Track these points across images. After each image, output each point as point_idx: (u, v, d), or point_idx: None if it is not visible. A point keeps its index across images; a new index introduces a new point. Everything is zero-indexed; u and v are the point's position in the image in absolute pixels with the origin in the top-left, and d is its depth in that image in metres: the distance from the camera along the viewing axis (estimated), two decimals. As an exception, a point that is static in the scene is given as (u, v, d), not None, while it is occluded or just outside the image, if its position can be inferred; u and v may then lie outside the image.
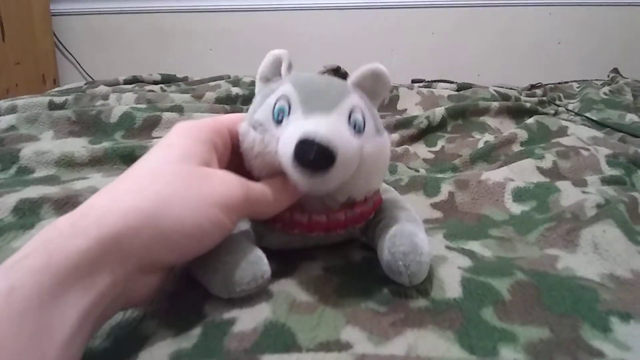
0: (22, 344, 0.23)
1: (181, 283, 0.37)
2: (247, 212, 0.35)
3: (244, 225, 0.38)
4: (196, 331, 0.31)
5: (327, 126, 0.32)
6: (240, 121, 0.38)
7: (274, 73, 0.38)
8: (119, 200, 0.29)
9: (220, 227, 0.32)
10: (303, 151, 0.30)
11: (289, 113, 0.34)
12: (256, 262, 0.34)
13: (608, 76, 1.55)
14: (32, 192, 0.52)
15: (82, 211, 0.28)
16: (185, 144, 0.34)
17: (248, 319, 0.31)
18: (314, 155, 0.30)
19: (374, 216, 0.41)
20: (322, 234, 0.39)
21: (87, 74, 2.39)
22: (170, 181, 0.31)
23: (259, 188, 0.35)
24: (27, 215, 0.49)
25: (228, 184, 0.33)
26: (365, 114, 0.36)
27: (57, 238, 0.26)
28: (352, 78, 0.38)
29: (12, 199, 0.50)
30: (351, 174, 0.34)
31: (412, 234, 0.36)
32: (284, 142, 0.33)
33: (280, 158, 0.33)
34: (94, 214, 0.28)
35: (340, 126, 0.33)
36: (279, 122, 0.34)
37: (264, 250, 0.35)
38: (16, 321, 0.23)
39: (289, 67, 0.38)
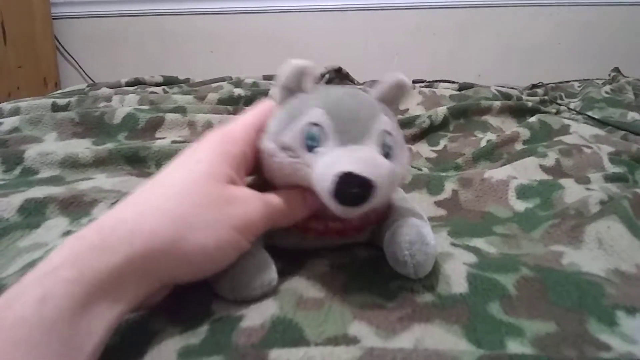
0: (52, 352, 0.23)
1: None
2: (266, 228, 0.35)
3: None
4: (204, 327, 0.31)
5: (364, 161, 0.32)
6: (264, 114, 0.38)
7: (297, 84, 0.37)
8: (146, 219, 0.29)
9: (238, 248, 0.33)
10: (342, 190, 0.31)
11: (320, 141, 0.34)
12: (264, 269, 0.34)
13: (609, 75, 1.55)
14: (38, 192, 0.52)
15: (110, 224, 0.29)
16: (212, 161, 0.34)
17: (255, 315, 0.32)
18: (354, 193, 0.31)
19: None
20: (337, 238, 0.39)
21: (89, 77, 2.39)
22: (196, 203, 0.31)
23: (279, 204, 0.35)
24: (33, 214, 0.49)
25: (251, 207, 0.33)
26: (394, 134, 0.36)
27: (88, 252, 0.27)
28: (377, 91, 0.38)
29: (17, 199, 0.50)
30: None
31: (418, 225, 0.36)
32: (321, 177, 0.32)
33: (317, 189, 0.33)
34: (123, 231, 0.28)
35: (375, 157, 0.33)
36: (310, 148, 0.34)
37: (272, 247, 0.35)
38: (47, 329, 0.24)
39: (313, 79, 0.37)
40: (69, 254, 0.27)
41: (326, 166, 0.32)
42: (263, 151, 0.36)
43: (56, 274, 0.25)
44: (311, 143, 0.34)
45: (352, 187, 0.30)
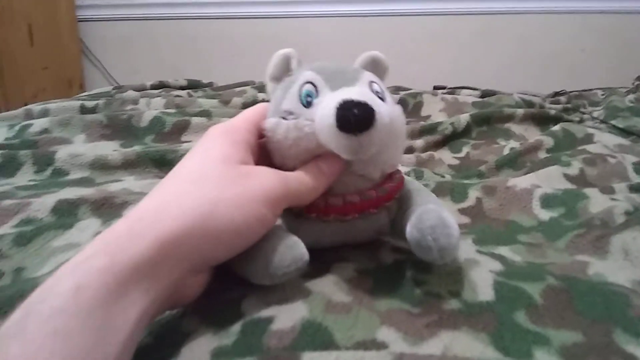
0: (89, 340, 0.24)
1: (219, 281, 0.38)
2: (288, 202, 0.36)
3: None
4: (235, 328, 0.32)
5: (358, 92, 0.34)
6: (263, 112, 0.39)
7: (284, 72, 0.40)
8: (170, 203, 0.30)
9: (264, 221, 0.33)
10: (345, 115, 0.32)
11: (316, 94, 0.36)
12: (294, 246, 0.35)
13: (633, 84, 1.53)
14: (70, 193, 0.54)
15: (137, 215, 0.30)
16: (222, 146, 0.35)
17: (285, 318, 0.32)
18: (356, 115, 0.32)
19: (399, 206, 0.42)
20: (357, 217, 0.40)
21: (113, 79, 2.42)
22: (216, 183, 0.32)
23: (296, 177, 0.36)
24: (66, 215, 0.50)
25: (269, 179, 0.34)
26: (382, 86, 0.39)
27: (117, 241, 0.28)
28: (355, 64, 0.41)
29: (50, 199, 0.52)
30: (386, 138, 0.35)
31: (437, 210, 0.37)
32: (322, 115, 0.34)
33: (321, 132, 0.34)
34: (149, 218, 0.29)
35: (369, 92, 0.35)
36: (308, 104, 0.36)
37: None
38: (83, 318, 0.24)
39: (299, 63, 0.40)
40: (100, 244, 0.28)
41: (326, 104, 0.34)
42: (267, 130, 0.38)
43: (89, 263, 0.26)
44: (308, 99, 0.36)
45: (353, 109, 0.32)
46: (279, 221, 0.39)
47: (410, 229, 0.37)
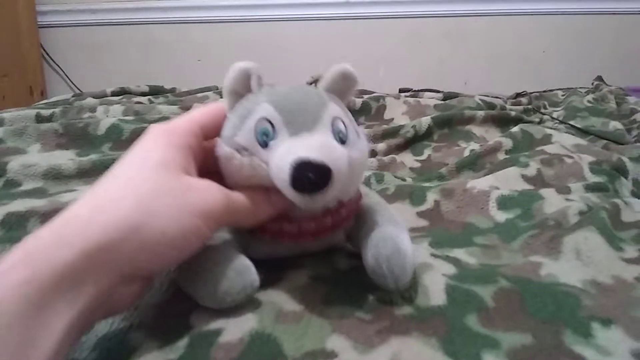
0: (9, 357, 0.23)
1: (167, 294, 0.37)
2: (228, 221, 0.35)
3: (226, 236, 0.38)
4: (183, 342, 0.31)
5: (316, 147, 0.32)
6: (213, 113, 0.38)
7: (244, 87, 0.37)
8: (102, 210, 0.29)
9: (200, 236, 0.32)
10: (299, 177, 0.31)
11: (274, 135, 0.34)
12: (244, 272, 0.34)
13: (592, 84, 1.57)
14: (20, 205, 0.52)
15: (64, 220, 0.28)
16: (162, 150, 0.33)
17: (234, 329, 0.32)
18: (312, 179, 0.31)
19: (356, 220, 0.41)
20: (311, 241, 0.39)
21: (75, 86, 2.38)
22: (153, 190, 0.30)
23: (241, 199, 0.35)
24: (15, 228, 0.49)
25: (211, 194, 0.33)
26: (345, 121, 0.36)
27: (41, 249, 0.26)
28: (323, 82, 0.38)
29: (-1, 212, 0.50)
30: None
31: (393, 237, 0.37)
32: (277, 168, 0.33)
33: (276, 182, 0.33)
34: (77, 224, 0.28)
35: (328, 142, 0.33)
36: (264, 144, 0.34)
37: (250, 259, 0.35)
38: (3, 334, 0.23)
39: (259, 80, 0.37)
40: (22, 254, 0.26)
41: (281, 157, 0.32)
42: (220, 157, 0.36)
43: (8, 276, 0.24)
44: (264, 139, 0.34)
45: (309, 172, 0.31)
46: (228, 235, 0.38)
47: (366, 256, 0.37)
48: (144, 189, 0.30)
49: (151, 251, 0.29)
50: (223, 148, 0.36)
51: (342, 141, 0.35)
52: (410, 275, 0.36)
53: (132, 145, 0.35)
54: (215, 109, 0.38)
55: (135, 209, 0.29)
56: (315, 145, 0.32)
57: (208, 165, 0.37)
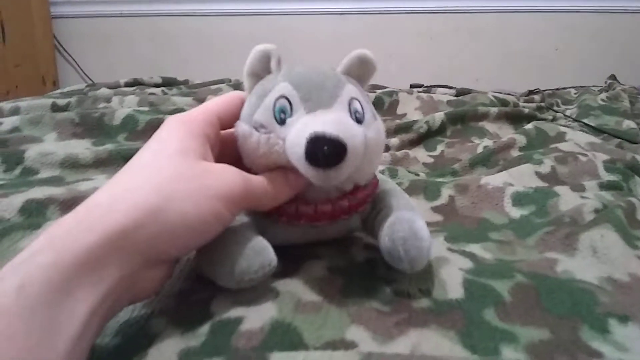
0: (33, 340, 0.23)
1: (188, 282, 0.38)
2: (247, 204, 0.35)
3: (244, 219, 0.39)
4: (204, 329, 0.32)
5: (332, 122, 0.32)
6: (229, 102, 0.38)
7: (263, 69, 0.38)
8: (122, 196, 0.29)
9: (221, 219, 0.32)
10: (314, 151, 0.31)
11: (291, 112, 0.35)
12: (262, 251, 0.34)
13: (605, 82, 1.56)
14: (38, 192, 0.53)
15: (86, 208, 0.29)
16: (180, 138, 0.34)
17: (255, 318, 0.32)
18: (326, 153, 0.31)
19: (372, 207, 0.42)
20: (328, 223, 0.39)
21: (87, 76, 2.39)
22: (172, 176, 0.31)
23: (259, 181, 0.35)
24: (34, 215, 0.49)
25: (229, 177, 0.33)
26: (362, 101, 0.37)
27: (64, 235, 0.27)
28: (340, 66, 0.38)
29: (18, 199, 0.51)
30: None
31: (410, 220, 0.37)
32: (292, 143, 0.33)
33: (291, 157, 0.34)
34: (99, 211, 0.28)
35: (345, 119, 0.34)
36: (281, 122, 0.35)
37: None
38: (27, 317, 0.23)
39: (279, 62, 0.38)
40: (46, 239, 0.27)
41: (297, 132, 0.33)
42: (239, 135, 0.37)
43: (33, 260, 0.25)
44: (282, 116, 0.35)
45: (324, 146, 0.31)
46: (246, 219, 0.39)
47: (382, 238, 0.37)
48: (162, 176, 0.31)
49: (171, 234, 0.30)
50: (241, 126, 0.36)
51: (359, 121, 0.35)
52: (426, 259, 0.36)
53: (151, 137, 0.35)
54: (231, 98, 0.39)
55: (154, 194, 0.29)
56: (331, 121, 0.32)
57: (226, 155, 0.37)
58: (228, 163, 0.35)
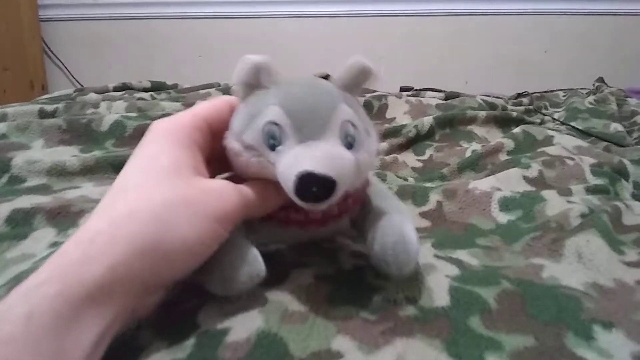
0: None
1: (174, 293, 0.38)
2: (243, 217, 0.35)
3: None
4: (190, 341, 0.32)
5: (322, 158, 0.32)
6: (218, 107, 0.38)
7: (255, 79, 0.37)
8: (121, 225, 0.29)
9: (218, 239, 0.32)
10: (304, 189, 0.31)
11: (281, 140, 0.34)
12: (252, 261, 0.34)
13: (593, 85, 1.57)
14: (25, 201, 0.53)
15: (89, 236, 0.29)
16: (170, 152, 0.33)
17: (241, 329, 0.32)
18: (315, 192, 0.31)
19: (362, 208, 0.42)
20: (317, 227, 0.40)
21: (76, 80, 2.38)
22: (169, 199, 0.31)
23: (253, 193, 0.35)
24: (21, 225, 0.49)
25: (225, 196, 0.33)
26: (356, 122, 0.36)
27: (70, 266, 0.27)
28: (340, 78, 0.38)
29: (4, 208, 0.50)
30: None
31: (399, 224, 0.37)
32: (283, 176, 0.33)
33: (282, 184, 0.33)
34: (101, 240, 0.28)
35: (335, 151, 0.33)
36: (271, 147, 0.34)
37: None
38: (35, 346, 0.24)
39: (269, 74, 0.37)
40: (53, 270, 0.27)
41: (287, 166, 0.33)
42: (229, 150, 0.37)
43: (41, 290, 0.25)
44: (272, 142, 0.34)
45: (313, 186, 0.31)
46: None
47: (371, 242, 0.37)
48: (158, 199, 0.31)
49: (172, 261, 0.30)
50: (232, 142, 0.36)
51: (350, 145, 0.35)
52: (414, 263, 0.37)
53: (137, 146, 0.35)
54: (220, 103, 0.38)
55: (153, 221, 0.29)
56: (321, 157, 0.32)
57: (215, 153, 0.37)
58: (218, 160, 0.36)
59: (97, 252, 0.28)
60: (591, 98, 1.27)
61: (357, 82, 0.38)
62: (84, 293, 0.26)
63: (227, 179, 0.37)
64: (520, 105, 1.27)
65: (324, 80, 0.38)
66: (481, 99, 1.20)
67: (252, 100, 0.37)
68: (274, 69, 0.37)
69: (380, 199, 0.41)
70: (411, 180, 0.74)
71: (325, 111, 0.35)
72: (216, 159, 0.38)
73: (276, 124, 0.34)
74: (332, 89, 0.37)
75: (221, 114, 0.38)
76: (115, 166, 0.67)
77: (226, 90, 1.25)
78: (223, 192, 0.33)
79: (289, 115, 0.34)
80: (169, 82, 1.43)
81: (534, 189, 0.66)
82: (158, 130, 0.35)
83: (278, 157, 0.34)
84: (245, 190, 0.35)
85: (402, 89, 1.55)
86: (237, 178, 0.37)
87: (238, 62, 0.36)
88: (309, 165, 0.31)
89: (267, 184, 0.36)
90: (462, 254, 0.48)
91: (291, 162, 0.33)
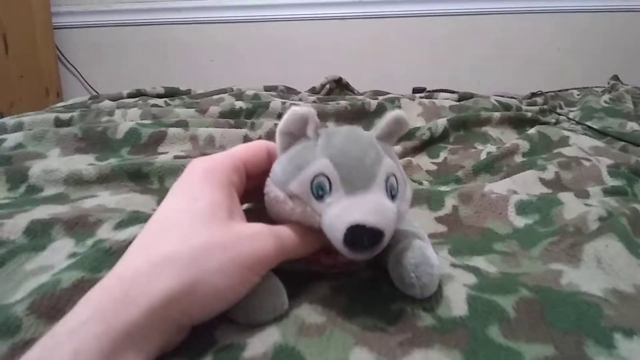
0: None
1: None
2: (279, 262, 0.36)
3: None
4: (208, 357, 0.32)
5: (372, 211, 0.33)
6: (254, 151, 0.40)
7: (299, 130, 0.38)
8: (161, 269, 0.30)
9: (250, 286, 0.34)
10: (354, 240, 0.32)
11: (330, 191, 0.35)
12: (276, 294, 0.35)
13: (608, 83, 1.55)
14: (43, 212, 0.53)
15: (130, 277, 0.30)
16: (209, 194, 0.35)
17: (258, 343, 0.32)
18: (365, 242, 0.32)
19: None
20: (345, 268, 0.41)
21: (90, 86, 2.40)
22: (206, 244, 0.32)
23: (291, 237, 0.36)
24: (39, 236, 0.49)
25: (261, 244, 0.34)
26: (397, 174, 0.37)
27: (113, 305, 0.29)
28: (378, 131, 0.39)
29: (23, 220, 0.51)
30: None
31: (422, 247, 0.38)
32: (332, 226, 0.34)
33: (328, 235, 0.34)
34: (142, 283, 0.30)
35: (382, 203, 0.35)
36: (319, 197, 0.35)
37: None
38: None
39: (316, 127, 0.38)
40: (96, 308, 0.29)
41: (336, 217, 0.34)
42: (271, 198, 0.37)
43: (86, 328, 0.27)
44: (320, 193, 0.35)
45: (363, 237, 0.32)
46: None
47: (394, 265, 0.38)
48: (196, 243, 0.32)
49: (205, 306, 0.32)
50: (274, 191, 0.37)
51: (393, 196, 0.36)
52: (436, 284, 0.38)
53: (177, 182, 0.37)
54: (257, 147, 0.40)
55: (190, 266, 0.31)
56: (370, 209, 0.33)
57: (247, 194, 0.40)
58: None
59: (138, 294, 0.29)
60: (606, 97, 1.26)
61: (393, 133, 0.40)
62: (125, 333, 0.28)
63: (251, 208, 0.40)
64: (535, 105, 1.26)
65: (364, 132, 0.39)
66: (495, 100, 1.19)
67: (297, 151, 0.38)
68: (317, 120, 0.38)
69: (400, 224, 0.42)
70: (426, 184, 0.73)
71: (371, 164, 0.36)
72: (247, 199, 0.39)
73: (325, 175, 0.35)
74: (374, 140, 0.38)
75: (258, 158, 0.40)
76: (130, 174, 0.67)
77: (239, 96, 1.25)
78: (258, 238, 0.34)
79: (338, 167, 0.35)
80: (183, 88, 1.44)
81: (550, 191, 0.65)
82: (198, 170, 0.37)
83: (325, 208, 0.35)
84: (284, 233, 0.36)
85: (415, 90, 1.55)
86: (262, 207, 0.39)
87: (285, 113, 0.37)
88: (359, 217, 0.33)
89: (308, 229, 0.37)
90: (479, 261, 0.47)
91: (340, 214, 0.34)
